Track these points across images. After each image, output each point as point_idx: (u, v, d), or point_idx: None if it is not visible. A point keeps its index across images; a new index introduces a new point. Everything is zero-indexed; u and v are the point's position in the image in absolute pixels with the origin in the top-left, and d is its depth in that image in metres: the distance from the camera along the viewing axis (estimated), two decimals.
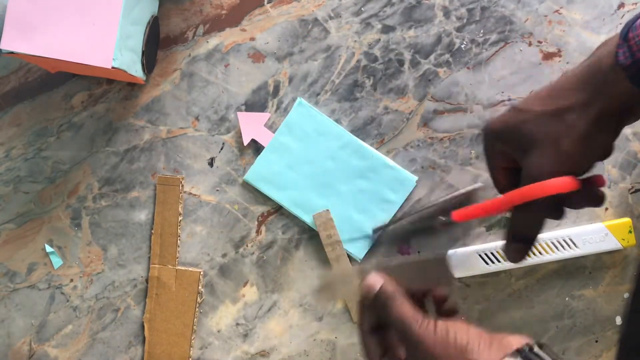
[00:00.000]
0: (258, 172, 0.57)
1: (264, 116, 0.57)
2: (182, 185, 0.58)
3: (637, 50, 0.36)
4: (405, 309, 0.40)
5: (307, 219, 0.57)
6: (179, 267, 0.58)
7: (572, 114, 0.39)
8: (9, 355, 0.59)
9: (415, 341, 0.38)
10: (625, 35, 0.37)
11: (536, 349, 0.35)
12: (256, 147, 0.58)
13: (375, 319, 0.42)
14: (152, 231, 0.58)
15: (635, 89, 0.37)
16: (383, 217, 0.56)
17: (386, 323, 0.42)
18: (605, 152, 0.42)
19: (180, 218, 0.58)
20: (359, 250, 0.56)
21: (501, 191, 0.45)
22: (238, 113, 0.57)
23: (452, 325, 0.37)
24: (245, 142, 0.57)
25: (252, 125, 0.57)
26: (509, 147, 0.42)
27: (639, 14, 0.37)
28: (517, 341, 0.36)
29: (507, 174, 0.44)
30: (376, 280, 0.42)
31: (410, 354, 0.39)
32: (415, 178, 0.56)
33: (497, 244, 0.55)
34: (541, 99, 0.41)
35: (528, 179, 0.40)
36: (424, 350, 0.37)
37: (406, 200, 0.56)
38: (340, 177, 0.57)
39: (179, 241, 0.58)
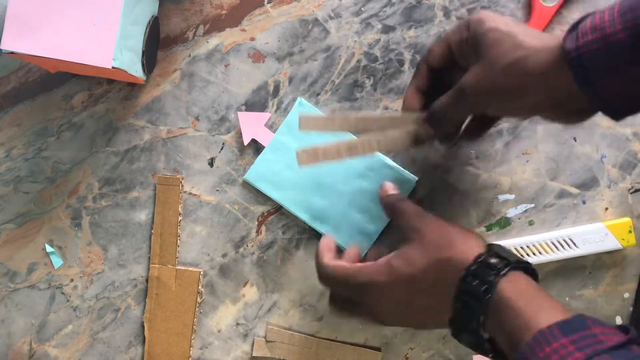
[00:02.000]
0: (258, 172, 0.57)
1: (264, 116, 0.57)
2: (182, 185, 0.58)
3: (582, 36, 0.37)
4: (415, 204, 0.47)
5: (307, 218, 0.57)
6: (179, 267, 0.58)
7: (528, 64, 0.40)
8: (9, 355, 0.59)
9: (429, 219, 0.45)
10: (576, 24, 0.39)
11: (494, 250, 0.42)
12: (256, 147, 0.58)
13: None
14: (152, 231, 0.58)
15: (571, 81, 0.38)
16: (383, 216, 0.56)
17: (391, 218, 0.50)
18: (517, 113, 0.45)
19: (180, 218, 0.58)
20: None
21: (405, 110, 0.50)
22: (238, 113, 0.57)
23: (444, 221, 0.45)
24: (246, 142, 0.57)
25: (252, 125, 0.57)
26: (465, 48, 0.44)
27: (592, 12, 0.39)
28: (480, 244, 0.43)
29: (420, 97, 0.49)
30: (391, 186, 0.51)
31: (417, 234, 0.44)
32: (416, 178, 0.56)
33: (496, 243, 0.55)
34: (515, 32, 0.41)
35: (459, 87, 0.44)
36: (437, 226, 0.44)
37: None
38: (340, 176, 0.57)
39: (178, 241, 0.58)
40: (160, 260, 0.58)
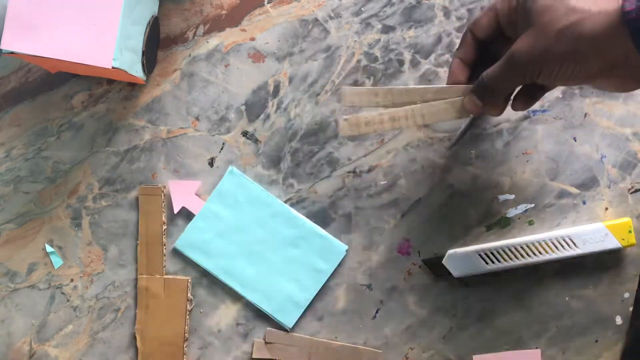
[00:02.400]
0: (188, 240, 0.57)
1: (195, 184, 0.57)
2: (164, 195, 0.58)
3: None
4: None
5: (237, 287, 0.57)
6: (167, 276, 0.58)
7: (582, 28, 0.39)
8: (9, 355, 0.59)
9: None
10: None
11: None
12: (187, 214, 0.58)
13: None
14: (138, 242, 0.58)
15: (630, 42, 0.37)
16: (313, 285, 0.56)
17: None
18: (570, 79, 0.42)
19: (164, 227, 0.58)
20: (288, 319, 0.57)
21: (450, 83, 0.48)
22: (169, 182, 0.57)
23: None
24: (176, 210, 0.57)
25: (183, 193, 0.57)
26: (514, 17, 0.43)
27: None
28: None
29: (465, 69, 0.48)
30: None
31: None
32: (345, 247, 0.56)
33: (497, 244, 0.55)
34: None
35: (510, 55, 0.42)
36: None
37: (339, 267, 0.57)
38: (270, 245, 0.57)
39: (164, 250, 0.58)
40: (148, 270, 0.58)
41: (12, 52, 0.50)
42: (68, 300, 0.59)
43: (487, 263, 0.55)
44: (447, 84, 0.49)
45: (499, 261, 0.55)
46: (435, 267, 0.56)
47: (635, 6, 0.36)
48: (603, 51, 0.38)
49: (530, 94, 0.48)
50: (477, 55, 0.48)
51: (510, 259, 0.55)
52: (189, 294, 0.57)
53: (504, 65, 0.43)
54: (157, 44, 0.58)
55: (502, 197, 0.57)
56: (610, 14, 0.38)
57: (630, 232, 0.54)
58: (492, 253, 0.55)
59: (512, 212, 0.57)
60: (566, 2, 0.39)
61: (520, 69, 0.42)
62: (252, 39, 0.58)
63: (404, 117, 0.48)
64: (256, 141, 0.58)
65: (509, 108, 0.48)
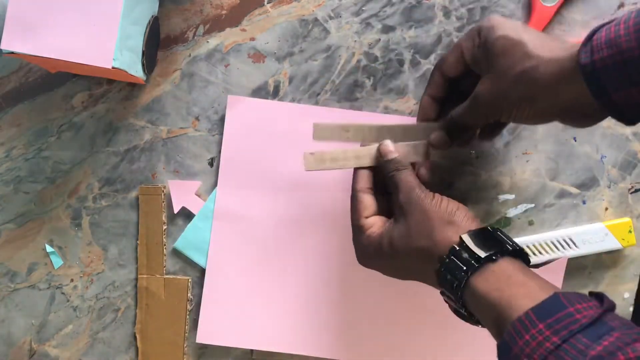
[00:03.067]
0: (188, 240, 0.57)
1: (195, 184, 0.57)
2: (164, 195, 0.58)
3: (597, 51, 0.38)
4: (412, 177, 0.46)
5: None
6: (167, 276, 0.58)
7: (540, 73, 0.41)
8: (9, 354, 0.59)
9: (415, 202, 0.44)
10: (590, 36, 0.39)
11: (500, 231, 0.43)
12: (187, 214, 0.58)
13: (370, 182, 0.48)
14: (138, 242, 0.58)
15: (585, 90, 0.39)
16: None
17: (386, 188, 0.48)
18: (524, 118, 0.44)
19: (164, 227, 0.58)
20: None
21: (421, 119, 0.51)
22: (169, 182, 0.57)
23: (446, 199, 0.44)
24: (176, 210, 0.57)
25: (183, 193, 0.57)
26: (477, 56, 0.45)
27: (606, 22, 0.39)
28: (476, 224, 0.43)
29: (435, 106, 0.50)
30: (392, 149, 0.48)
31: (403, 216, 0.44)
32: None
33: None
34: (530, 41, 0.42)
35: (474, 96, 0.45)
36: (420, 211, 0.44)
37: None
38: None
39: (165, 250, 0.58)
40: (148, 271, 0.58)
41: (12, 52, 0.50)
42: (68, 300, 0.59)
43: None
44: (418, 120, 0.51)
45: None
46: None
47: (590, 59, 0.38)
48: (556, 95, 0.41)
49: (494, 129, 0.52)
50: (447, 92, 0.50)
51: None
52: (189, 294, 0.57)
53: (468, 107, 0.46)
54: (157, 44, 0.58)
55: (502, 197, 0.57)
56: (563, 62, 0.40)
57: (630, 232, 0.54)
58: None
59: (512, 212, 0.57)
60: (523, 47, 0.42)
61: (483, 110, 0.45)
62: (252, 39, 0.58)
63: (367, 155, 0.49)
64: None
65: None
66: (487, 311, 0.39)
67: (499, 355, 0.37)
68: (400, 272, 0.46)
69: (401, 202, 0.45)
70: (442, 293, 0.44)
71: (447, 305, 0.45)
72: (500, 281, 0.39)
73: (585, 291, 0.56)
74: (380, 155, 0.48)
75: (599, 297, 0.37)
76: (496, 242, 0.41)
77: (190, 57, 0.58)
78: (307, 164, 0.48)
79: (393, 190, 0.46)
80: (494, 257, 0.40)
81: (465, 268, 0.40)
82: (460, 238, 0.41)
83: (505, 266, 0.40)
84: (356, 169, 0.49)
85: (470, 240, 0.41)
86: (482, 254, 0.40)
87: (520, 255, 0.42)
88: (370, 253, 0.46)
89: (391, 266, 0.46)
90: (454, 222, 0.43)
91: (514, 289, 0.38)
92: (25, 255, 0.59)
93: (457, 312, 0.43)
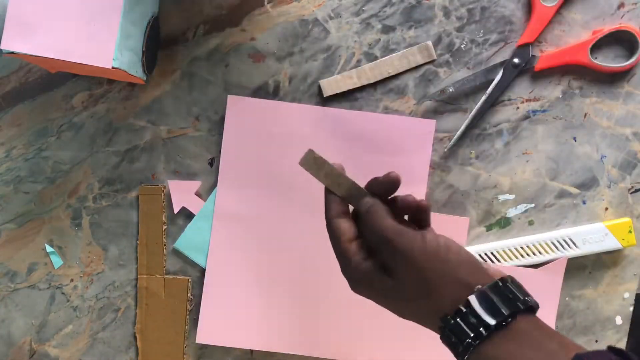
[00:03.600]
0: (188, 240, 0.57)
1: (195, 184, 0.57)
2: (164, 195, 0.58)
3: None
4: (389, 221, 0.39)
5: None
6: (167, 276, 0.58)
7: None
8: (9, 354, 0.59)
9: (401, 255, 0.38)
10: None
11: (518, 282, 0.38)
12: (187, 214, 0.58)
13: (344, 206, 0.42)
14: (137, 242, 0.58)
15: None
16: None
17: (368, 237, 0.41)
18: None
19: (164, 227, 0.58)
20: None
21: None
22: (169, 182, 0.57)
23: (444, 240, 0.39)
24: (176, 210, 0.57)
25: (183, 193, 0.57)
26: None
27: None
28: (503, 274, 0.38)
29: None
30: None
31: (393, 270, 0.39)
32: None
33: (497, 244, 0.55)
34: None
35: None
36: (409, 263, 0.38)
37: None
38: None
39: (165, 250, 0.58)
40: (148, 271, 0.58)
41: (12, 52, 0.50)
42: (68, 300, 0.59)
43: None
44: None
45: (499, 261, 0.55)
46: None
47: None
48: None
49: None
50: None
51: (510, 259, 0.55)
52: (189, 294, 0.57)
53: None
54: (157, 44, 0.58)
55: (502, 197, 0.57)
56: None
57: (630, 232, 0.54)
58: (492, 253, 0.55)
59: (512, 212, 0.57)
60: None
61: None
62: (252, 39, 0.58)
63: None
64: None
65: None
66: None
67: None
68: (399, 314, 0.41)
69: (385, 257, 0.39)
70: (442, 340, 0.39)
71: None
72: (514, 346, 0.35)
73: (585, 292, 0.56)
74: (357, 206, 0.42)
75: (620, 353, 0.35)
76: (507, 300, 0.37)
77: (190, 57, 0.58)
78: (305, 161, 0.43)
79: (371, 242, 0.41)
80: (504, 323, 0.36)
81: (472, 335, 0.36)
82: (467, 300, 0.37)
83: (518, 326, 0.36)
84: (326, 195, 0.43)
85: (478, 304, 0.36)
86: (491, 321, 0.36)
87: (533, 308, 0.38)
88: (364, 286, 0.41)
89: (388, 307, 0.41)
90: (459, 279, 0.38)
91: (529, 353, 0.35)
92: (25, 255, 0.59)
93: None
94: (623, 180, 0.56)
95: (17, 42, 0.50)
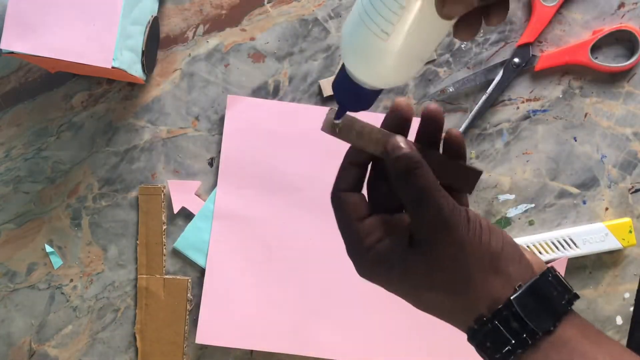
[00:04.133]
0: (188, 240, 0.57)
1: (194, 184, 0.57)
2: (164, 195, 0.57)
3: None
4: (434, 183, 0.32)
5: None
6: (167, 276, 0.58)
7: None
8: (9, 355, 0.59)
9: (443, 223, 0.32)
10: None
11: (557, 273, 0.34)
12: (187, 214, 0.58)
13: (358, 182, 0.36)
14: (137, 242, 0.58)
15: None
16: None
17: (392, 199, 0.35)
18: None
19: (164, 227, 0.58)
20: None
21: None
22: (169, 182, 0.57)
23: (485, 223, 0.33)
24: (176, 210, 0.57)
25: (182, 193, 0.57)
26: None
27: None
28: (541, 264, 0.34)
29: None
30: (405, 142, 0.34)
31: (426, 244, 0.33)
32: None
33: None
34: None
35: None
36: (453, 245, 0.32)
37: None
38: None
39: (164, 250, 0.58)
40: (148, 271, 0.58)
41: (12, 52, 0.50)
42: (68, 301, 0.59)
43: None
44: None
45: None
46: None
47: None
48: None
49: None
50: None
51: None
52: (188, 294, 0.57)
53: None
54: (157, 43, 0.58)
55: (502, 197, 0.57)
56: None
57: (630, 232, 0.54)
58: None
59: (512, 212, 0.56)
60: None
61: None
62: (252, 39, 0.58)
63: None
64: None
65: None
66: None
67: None
68: (418, 305, 0.35)
69: (421, 224, 0.33)
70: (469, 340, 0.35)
71: None
72: (561, 356, 0.31)
73: (586, 292, 0.56)
74: (386, 151, 0.34)
75: None
76: (551, 299, 0.32)
77: (190, 57, 0.58)
78: (327, 124, 0.36)
79: (408, 203, 0.33)
80: (552, 328, 0.32)
81: (514, 342, 0.32)
82: (510, 300, 0.32)
83: (564, 334, 0.32)
84: (341, 168, 0.37)
85: (521, 307, 0.32)
86: (537, 327, 0.31)
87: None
88: (377, 270, 0.35)
89: (406, 296, 0.35)
90: (500, 271, 0.32)
91: None
92: (25, 255, 0.59)
93: None
94: (623, 180, 0.56)
95: (17, 42, 0.50)
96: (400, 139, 0.34)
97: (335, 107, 0.35)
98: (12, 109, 0.59)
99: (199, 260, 0.57)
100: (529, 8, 0.56)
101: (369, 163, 0.36)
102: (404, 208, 0.36)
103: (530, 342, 0.31)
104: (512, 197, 0.56)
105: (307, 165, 0.56)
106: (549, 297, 0.32)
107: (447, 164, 0.36)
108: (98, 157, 0.59)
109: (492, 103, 0.56)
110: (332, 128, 0.36)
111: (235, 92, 0.58)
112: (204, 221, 0.57)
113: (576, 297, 0.34)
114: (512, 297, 0.32)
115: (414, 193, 0.32)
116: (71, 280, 0.59)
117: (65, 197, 0.59)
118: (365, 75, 0.32)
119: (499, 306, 0.32)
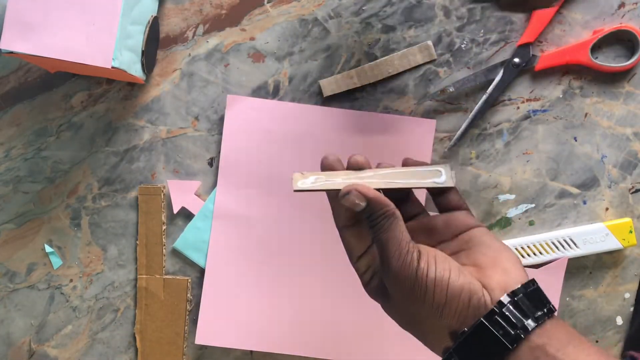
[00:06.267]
0: (188, 240, 0.57)
1: (194, 184, 0.57)
2: (164, 195, 0.57)
3: None
4: (399, 234, 0.36)
5: None
6: (166, 277, 0.57)
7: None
8: (8, 355, 0.59)
9: (404, 278, 0.35)
10: None
11: (516, 299, 0.35)
12: (187, 214, 0.58)
13: (351, 216, 0.39)
14: (137, 242, 0.58)
15: None
16: None
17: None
18: None
19: (164, 227, 0.57)
20: None
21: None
22: (169, 182, 0.57)
23: (440, 268, 0.35)
24: (176, 210, 0.57)
25: (182, 193, 0.57)
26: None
27: None
28: (512, 282, 0.35)
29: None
30: (369, 188, 0.37)
31: (394, 295, 0.37)
32: None
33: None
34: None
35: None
36: (399, 287, 0.36)
37: None
38: None
39: (164, 250, 0.58)
40: (147, 271, 0.58)
41: (12, 52, 0.50)
42: (67, 301, 0.59)
43: None
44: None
45: None
46: None
47: None
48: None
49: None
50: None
51: None
52: (188, 295, 0.57)
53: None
54: (156, 43, 0.58)
55: (502, 197, 0.56)
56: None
57: (630, 232, 0.54)
58: None
59: (512, 212, 0.56)
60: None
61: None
62: (252, 39, 0.58)
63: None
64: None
65: None
66: None
67: None
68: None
69: (389, 270, 0.36)
70: None
71: None
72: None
73: (586, 292, 0.56)
74: (356, 195, 0.37)
75: None
76: (493, 342, 0.34)
77: (189, 57, 0.58)
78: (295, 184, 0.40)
79: (378, 248, 0.37)
80: (512, 345, 0.34)
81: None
82: (450, 352, 0.35)
83: (539, 343, 0.34)
84: (330, 202, 0.41)
85: (468, 347, 0.34)
86: (512, 330, 0.34)
87: (551, 311, 0.36)
88: (377, 299, 0.40)
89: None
90: (448, 312, 0.35)
91: None
92: (25, 255, 0.59)
93: None
94: (623, 180, 0.56)
95: (17, 42, 0.50)
96: (365, 187, 0.37)
97: (297, 171, 0.40)
98: (12, 109, 0.59)
99: (199, 260, 0.57)
100: None
101: None
102: None
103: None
104: (512, 197, 0.56)
105: (307, 165, 0.56)
106: (489, 341, 0.34)
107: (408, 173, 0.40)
108: (98, 157, 0.59)
109: (492, 103, 0.56)
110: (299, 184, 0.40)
111: (235, 92, 0.58)
112: (203, 221, 0.57)
113: (547, 314, 0.35)
114: (452, 349, 0.35)
115: (381, 240, 0.37)
116: (71, 281, 0.59)
117: (64, 197, 0.59)
118: None
119: (450, 350, 0.35)
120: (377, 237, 0.37)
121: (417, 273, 0.35)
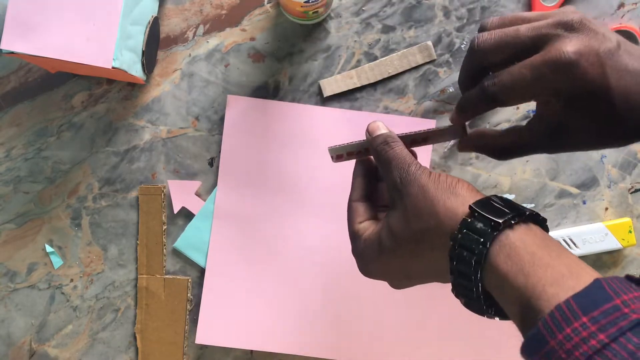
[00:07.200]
0: (188, 240, 0.57)
1: (194, 184, 0.57)
2: (164, 195, 0.58)
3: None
4: (405, 152, 0.41)
5: None
6: (167, 276, 0.58)
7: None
8: (9, 355, 0.59)
9: (410, 180, 0.39)
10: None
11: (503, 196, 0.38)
12: (187, 214, 0.58)
13: (366, 191, 0.44)
14: (137, 242, 0.58)
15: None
16: None
17: (378, 174, 0.44)
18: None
19: (164, 227, 0.58)
20: None
21: (463, 90, 0.44)
22: (169, 182, 0.57)
23: (443, 173, 0.40)
24: (176, 210, 0.57)
25: (182, 193, 0.57)
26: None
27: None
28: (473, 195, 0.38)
29: (473, 81, 0.43)
30: (380, 126, 0.43)
31: (399, 198, 0.39)
32: None
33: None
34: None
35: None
36: (418, 187, 0.38)
37: None
38: None
39: (165, 250, 0.58)
40: (148, 270, 0.58)
41: (12, 52, 0.50)
42: (68, 300, 0.59)
43: None
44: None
45: None
46: None
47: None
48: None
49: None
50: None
51: None
52: (188, 294, 0.57)
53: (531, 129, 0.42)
54: (157, 44, 0.58)
55: None
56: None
57: (630, 232, 0.54)
58: None
59: None
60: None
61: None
62: (252, 39, 0.58)
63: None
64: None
65: None
66: (512, 297, 0.34)
67: (527, 347, 0.32)
68: (407, 272, 0.40)
69: (395, 182, 0.40)
70: (454, 288, 0.38)
71: (449, 306, 0.43)
72: (524, 260, 0.34)
73: None
74: (368, 134, 0.43)
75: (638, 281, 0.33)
76: (509, 208, 0.36)
77: (190, 57, 0.58)
78: (332, 156, 0.45)
79: (385, 172, 0.41)
80: (512, 222, 0.35)
81: (482, 240, 0.35)
82: (471, 207, 0.36)
83: (526, 238, 0.35)
84: (354, 178, 0.45)
85: (482, 208, 0.36)
86: (498, 219, 0.35)
87: (537, 220, 0.37)
88: (371, 255, 0.41)
89: (396, 267, 0.40)
90: (457, 194, 0.38)
91: (540, 271, 0.33)
92: (25, 255, 0.59)
93: (470, 306, 0.38)
94: (623, 180, 0.56)
95: (17, 42, 0.50)
96: (379, 123, 0.43)
97: (333, 144, 0.44)
98: (12, 109, 0.59)
99: (199, 260, 0.57)
100: (529, 8, 0.56)
101: (371, 173, 0.44)
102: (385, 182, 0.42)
103: (495, 233, 0.35)
104: (512, 197, 0.56)
105: (307, 165, 0.57)
106: (508, 206, 0.36)
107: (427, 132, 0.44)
108: (98, 157, 0.59)
109: None
110: (336, 158, 0.45)
111: (235, 92, 0.58)
112: (203, 221, 0.57)
113: (539, 216, 0.37)
114: (471, 204, 0.36)
115: (386, 160, 0.41)
116: (71, 280, 0.59)
117: (65, 197, 0.59)
118: None
119: (464, 216, 0.36)
120: (382, 158, 0.41)
121: (431, 175, 0.39)
